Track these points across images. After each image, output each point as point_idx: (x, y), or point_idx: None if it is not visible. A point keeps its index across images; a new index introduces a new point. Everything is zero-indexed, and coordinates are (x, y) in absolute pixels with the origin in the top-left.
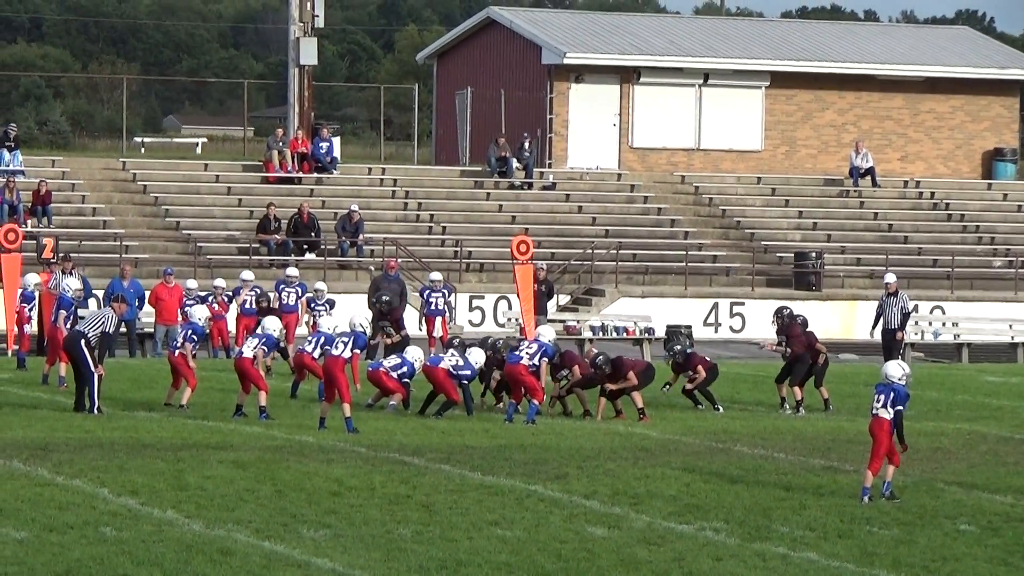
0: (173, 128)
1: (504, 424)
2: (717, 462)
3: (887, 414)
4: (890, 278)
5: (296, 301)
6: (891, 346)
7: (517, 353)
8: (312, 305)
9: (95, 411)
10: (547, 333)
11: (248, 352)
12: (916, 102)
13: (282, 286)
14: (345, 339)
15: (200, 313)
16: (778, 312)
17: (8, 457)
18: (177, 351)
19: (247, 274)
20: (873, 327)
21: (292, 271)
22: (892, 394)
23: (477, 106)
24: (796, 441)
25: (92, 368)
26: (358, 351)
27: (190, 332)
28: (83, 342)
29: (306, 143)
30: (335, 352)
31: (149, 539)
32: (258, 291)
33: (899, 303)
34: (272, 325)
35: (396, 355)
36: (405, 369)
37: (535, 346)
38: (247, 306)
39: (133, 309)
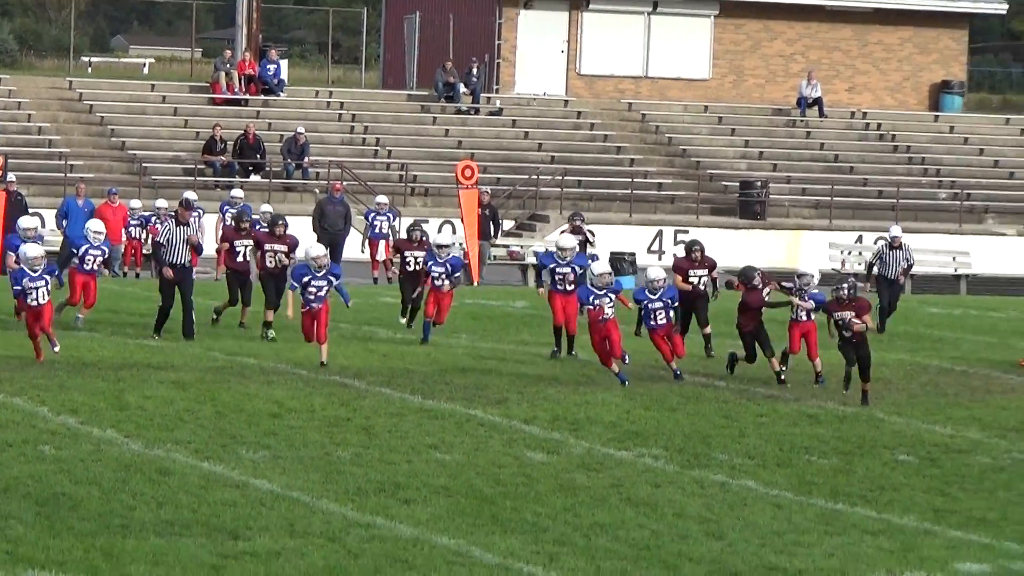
0: (121, 48)
1: (446, 348)
2: (657, 390)
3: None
4: (896, 231)
5: None
6: (894, 292)
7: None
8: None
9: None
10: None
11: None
12: (864, 33)
13: (226, 207)
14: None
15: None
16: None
17: None
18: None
19: (190, 194)
20: (868, 272)
21: (237, 192)
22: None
23: (425, 30)
24: (737, 370)
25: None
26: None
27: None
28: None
29: (253, 65)
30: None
31: (88, 458)
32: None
33: (904, 255)
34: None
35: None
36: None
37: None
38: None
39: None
